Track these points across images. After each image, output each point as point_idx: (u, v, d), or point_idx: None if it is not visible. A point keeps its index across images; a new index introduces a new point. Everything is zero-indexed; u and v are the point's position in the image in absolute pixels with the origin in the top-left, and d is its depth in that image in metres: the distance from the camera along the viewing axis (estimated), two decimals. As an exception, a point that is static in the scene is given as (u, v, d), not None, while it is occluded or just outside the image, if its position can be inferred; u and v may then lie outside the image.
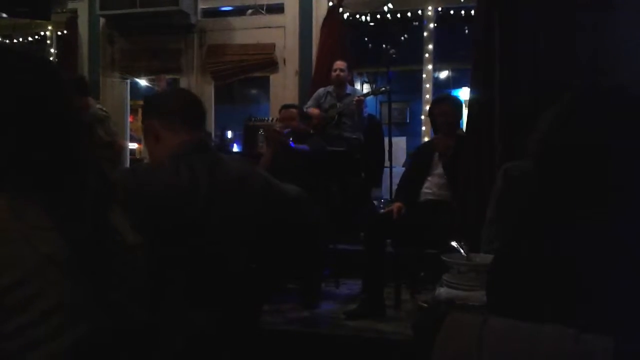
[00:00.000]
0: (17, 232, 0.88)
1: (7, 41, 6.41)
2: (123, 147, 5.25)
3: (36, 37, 6.51)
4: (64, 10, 6.05)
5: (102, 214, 1.00)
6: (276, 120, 4.78)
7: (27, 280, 0.87)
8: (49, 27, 6.36)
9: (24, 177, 0.93)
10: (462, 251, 1.79)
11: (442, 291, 1.69)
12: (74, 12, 6.05)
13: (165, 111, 1.65)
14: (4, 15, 5.90)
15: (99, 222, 0.98)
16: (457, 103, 3.78)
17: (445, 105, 3.69)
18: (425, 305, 1.88)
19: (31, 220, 0.89)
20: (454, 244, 1.82)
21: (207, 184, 1.53)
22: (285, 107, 4.23)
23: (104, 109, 4.91)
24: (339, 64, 4.83)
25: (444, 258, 1.76)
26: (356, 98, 4.65)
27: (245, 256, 1.59)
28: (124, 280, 1.01)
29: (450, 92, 5.47)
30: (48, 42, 6.47)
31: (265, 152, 3.86)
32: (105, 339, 0.96)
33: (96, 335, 0.94)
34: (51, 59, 6.36)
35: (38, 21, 6.15)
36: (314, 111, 4.79)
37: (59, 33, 6.35)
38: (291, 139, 3.79)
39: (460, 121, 3.77)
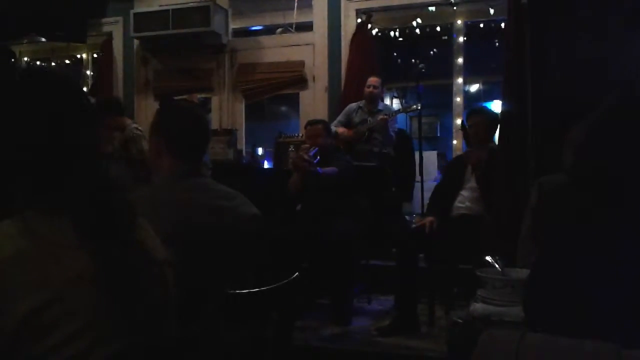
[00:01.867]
0: (45, 251, 0.89)
1: (44, 64, 6.62)
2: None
3: (73, 59, 6.73)
4: (100, 33, 6.23)
5: (129, 231, 1.01)
6: (302, 137, 4.77)
7: (56, 301, 0.87)
8: (85, 50, 6.56)
9: (51, 196, 0.95)
10: (497, 266, 1.77)
11: (478, 307, 1.66)
12: (109, 34, 6.21)
13: (172, 137, 1.70)
14: (43, 39, 6.12)
15: (126, 238, 0.99)
16: (491, 115, 3.74)
17: (478, 116, 3.67)
18: (460, 321, 1.85)
19: (59, 239, 0.90)
20: (488, 258, 1.79)
21: (198, 206, 1.60)
22: (311, 123, 4.04)
23: (140, 127, 5.01)
24: (373, 80, 4.79)
25: (479, 273, 1.74)
26: (380, 117, 4.61)
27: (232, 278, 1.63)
28: (153, 296, 1.02)
29: (482, 105, 5.40)
30: (84, 64, 6.67)
31: (293, 176, 3.82)
32: (136, 356, 0.96)
33: (127, 353, 0.94)
34: (87, 80, 6.56)
35: (74, 44, 6.35)
36: (342, 131, 4.76)
37: (95, 55, 6.55)
38: (318, 158, 3.70)
39: (494, 135, 3.73)
